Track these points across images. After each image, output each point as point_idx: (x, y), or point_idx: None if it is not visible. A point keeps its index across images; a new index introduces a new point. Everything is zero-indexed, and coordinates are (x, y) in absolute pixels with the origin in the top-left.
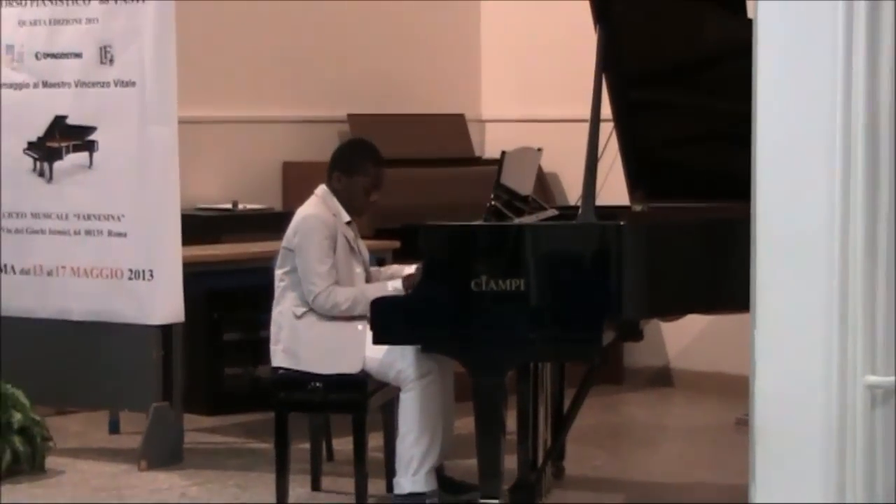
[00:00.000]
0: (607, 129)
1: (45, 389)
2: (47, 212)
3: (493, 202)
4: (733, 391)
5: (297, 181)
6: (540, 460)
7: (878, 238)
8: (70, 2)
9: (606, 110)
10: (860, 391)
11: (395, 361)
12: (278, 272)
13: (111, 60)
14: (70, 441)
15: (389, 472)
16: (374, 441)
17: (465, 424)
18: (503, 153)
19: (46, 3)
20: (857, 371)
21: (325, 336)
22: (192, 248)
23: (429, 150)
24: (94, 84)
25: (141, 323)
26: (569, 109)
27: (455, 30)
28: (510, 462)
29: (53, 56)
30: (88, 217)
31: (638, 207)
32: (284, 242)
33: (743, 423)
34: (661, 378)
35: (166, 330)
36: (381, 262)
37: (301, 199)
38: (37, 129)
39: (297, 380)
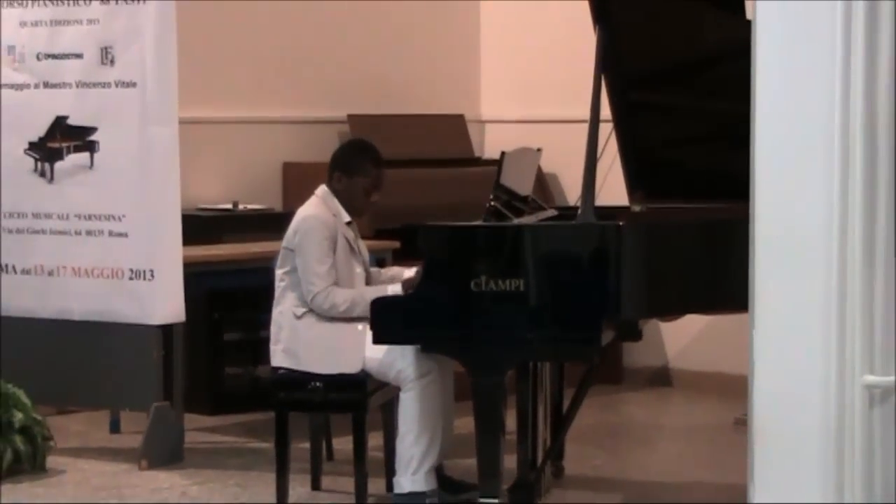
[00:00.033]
0: (606, 130)
1: (47, 389)
2: (48, 212)
3: (492, 202)
4: (732, 391)
5: (297, 181)
6: (539, 460)
7: (877, 238)
8: (71, 3)
9: (606, 111)
10: (858, 391)
11: (395, 361)
12: (278, 272)
13: (112, 61)
14: (71, 440)
15: (389, 472)
16: (374, 440)
17: (465, 424)
18: (503, 154)
19: (47, 4)
20: (856, 371)
21: (325, 336)
22: (192, 249)
23: (428, 151)
24: (94, 84)
25: (142, 323)
26: (568, 110)
27: (455, 31)
28: (509, 461)
29: (54, 57)
30: (89, 217)
31: (637, 208)
32: (285, 242)
33: (742, 423)
34: (660, 378)
35: (167, 330)
36: (381, 263)
37: (301, 199)
38: (38, 130)
39: (297, 379)
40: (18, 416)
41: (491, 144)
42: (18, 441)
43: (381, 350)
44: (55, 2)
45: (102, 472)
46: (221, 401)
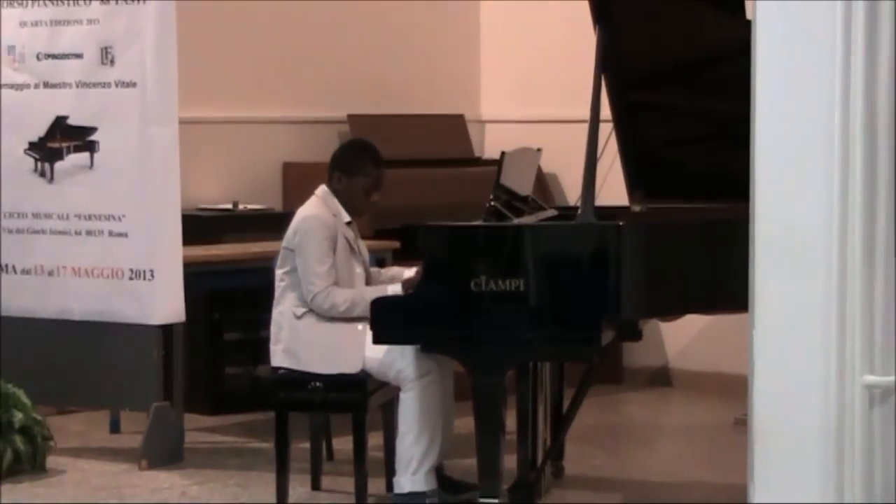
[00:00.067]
0: (606, 130)
1: (47, 389)
2: (48, 212)
3: (492, 202)
4: (732, 391)
5: (297, 181)
6: (539, 460)
7: (877, 238)
8: (71, 3)
9: (606, 111)
10: (858, 391)
11: (395, 361)
12: (278, 272)
13: (112, 61)
14: (71, 440)
15: (389, 472)
16: (374, 440)
17: (465, 424)
18: (503, 154)
19: (48, 4)
20: (856, 371)
21: (325, 336)
22: (192, 249)
23: (428, 151)
24: (94, 85)
25: (142, 323)
26: (568, 110)
27: (455, 31)
28: (509, 461)
29: (54, 57)
30: (89, 217)
31: (637, 208)
32: (285, 242)
33: (742, 423)
34: (660, 378)
35: (167, 330)
36: (381, 263)
37: (301, 199)
38: (38, 130)
39: (297, 379)
40: (18, 416)
41: (491, 144)
42: (18, 441)
43: (380, 350)
44: (55, 2)
45: (102, 472)
46: (221, 401)
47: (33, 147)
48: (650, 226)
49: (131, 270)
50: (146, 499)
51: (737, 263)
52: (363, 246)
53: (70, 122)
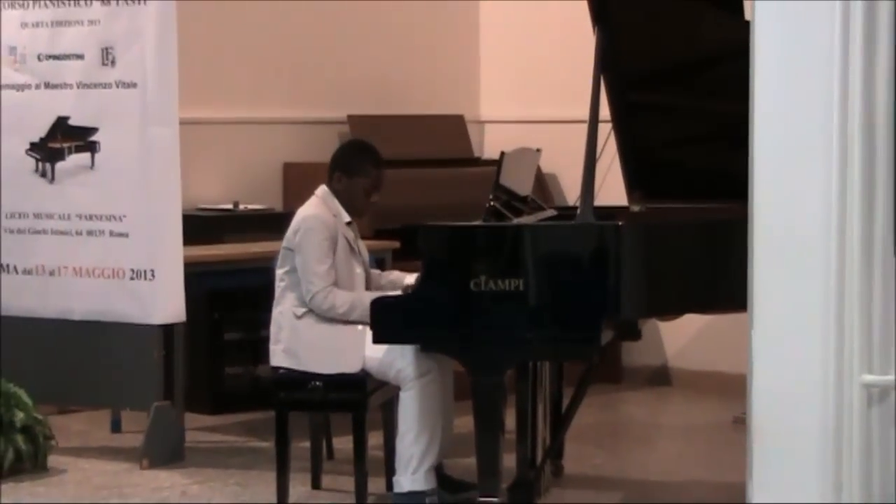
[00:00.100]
0: (606, 130)
1: (48, 388)
2: (49, 212)
3: (492, 202)
4: (731, 390)
5: (297, 182)
6: (539, 459)
7: (875, 238)
8: (72, 4)
9: (605, 111)
10: (857, 390)
11: (395, 360)
12: (279, 272)
13: (113, 62)
14: (72, 440)
15: (389, 471)
16: (374, 439)
17: (465, 423)
18: (502, 154)
19: (49, 4)
20: (854, 370)
21: (325, 336)
22: (193, 249)
23: (428, 151)
24: (95, 85)
25: (142, 323)
26: (567, 110)
27: (454, 31)
28: (509, 460)
29: (56, 57)
30: (90, 217)
31: (636, 208)
32: (285, 242)
33: (740, 422)
34: (660, 377)
35: (168, 329)
36: (380, 263)
37: (301, 199)
38: (39, 130)
39: (298, 379)
40: (20, 416)
41: (490, 145)
42: (20, 440)
43: (380, 349)
44: (56, 3)
45: (103, 471)
46: (222, 400)
47: (34, 147)
48: (649, 226)
49: (132, 270)
50: (147, 498)
51: (736, 263)
52: (363, 246)
53: (71, 122)
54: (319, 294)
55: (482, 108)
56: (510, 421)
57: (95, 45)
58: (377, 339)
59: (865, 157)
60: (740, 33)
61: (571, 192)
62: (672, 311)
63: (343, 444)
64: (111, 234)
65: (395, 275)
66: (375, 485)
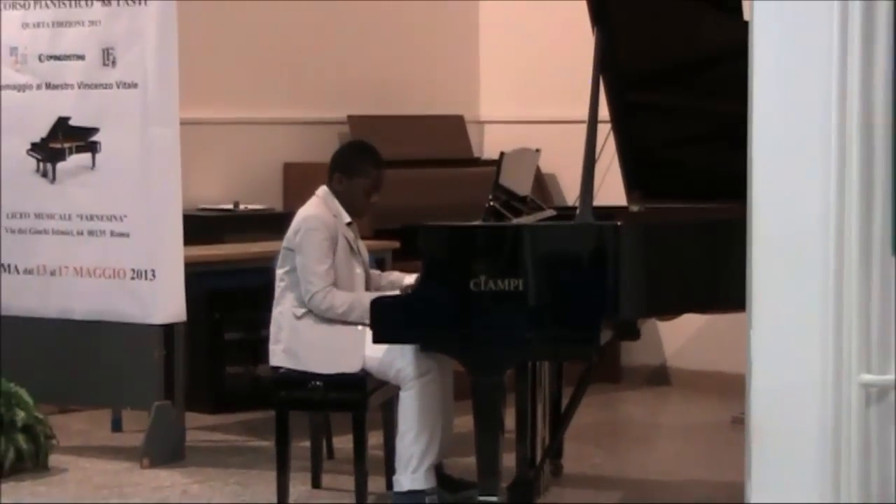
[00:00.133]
0: (605, 130)
1: (49, 388)
2: (50, 212)
3: (491, 203)
4: (730, 390)
5: (297, 182)
6: (538, 458)
7: (873, 237)
8: (73, 4)
9: (604, 111)
10: (855, 389)
11: (395, 360)
12: (279, 272)
13: (114, 62)
14: (73, 439)
15: (389, 470)
16: (374, 439)
17: (465, 423)
18: (502, 154)
19: (50, 5)
20: (853, 369)
21: (325, 336)
22: (193, 249)
23: (428, 151)
24: (96, 86)
25: (143, 322)
26: (567, 110)
27: (454, 32)
28: (509, 460)
29: (57, 58)
30: (91, 217)
31: (635, 208)
32: (285, 242)
33: (739, 422)
34: (658, 377)
35: (168, 329)
36: (380, 263)
37: (302, 199)
38: (40, 131)
39: (298, 378)
40: (21, 415)
41: (490, 145)
42: (21, 440)
43: (380, 349)
44: (57, 3)
45: (104, 470)
46: (222, 400)
47: (35, 148)
48: (648, 226)
49: (133, 270)
50: (148, 497)
51: (734, 263)
52: (363, 247)
53: (72, 122)
54: (319, 294)
55: (482, 109)
56: (510, 420)
57: (96, 46)
58: (377, 339)
59: (864, 157)
60: (739, 33)
61: (571, 192)
62: (671, 310)
63: (343, 443)
64: (112, 234)
65: (394, 275)
66: (375, 484)
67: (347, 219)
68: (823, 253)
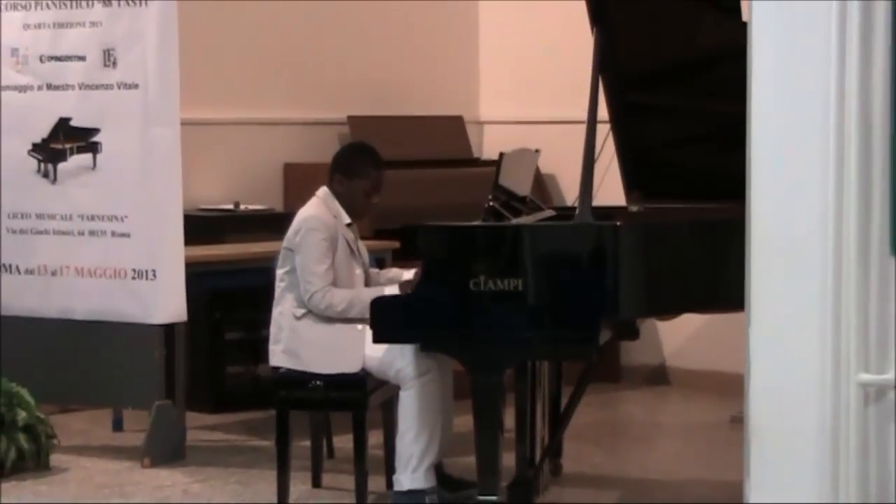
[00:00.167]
0: (604, 131)
1: (50, 388)
2: (51, 212)
3: (491, 203)
4: (728, 389)
5: (297, 182)
6: (538, 458)
7: (872, 238)
8: (74, 5)
9: (603, 112)
10: (853, 389)
11: (395, 360)
12: (279, 272)
13: (114, 63)
14: (74, 439)
15: (389, 469)
16: (374, 438)
17: (464, 422)
18: (501, 154)
19: (51, 6)
20: (851, 369)
21: (324, 336)
22: (194, 249)
23: (428, 152)
24: (97, 86)
25: (144, 322)
26: (566, 111)
27: (453, 32)
28: (508, 459)
29: (58, 59)
30: (92, 218)
31: (634, 208)
32: (285, 243)
33: (738, 421)
34: (658, 376)
35: (169, 329)
36: (380, 263)
37: (302, 200)
38: (41, 131)
39: (298, 378)
40: (22, 415)
41: (489, 145)
42: (22, 439)
43: (380, 349)
44: (58, 4)
45: (105, 469)
46: (223, 399)
47: (37, 148)
48: (647, 226)
49: (134, 270)
50: (148, 496)
51: (733, 263)
52: (363, 247)
53: (73, 123)
54: (318, 294)
55: (481, 109)
56: (509, 420)
57: (97, 47)
58: (377, 339)
59: (862, 157)
60: (738, 34)
61: (570, 193)
62: (670, 310)
63: (343, 442)
64: (113, 234)
65: (393, 272)
66: (375, 483)
67: (347, 219)
68: (822, 253)
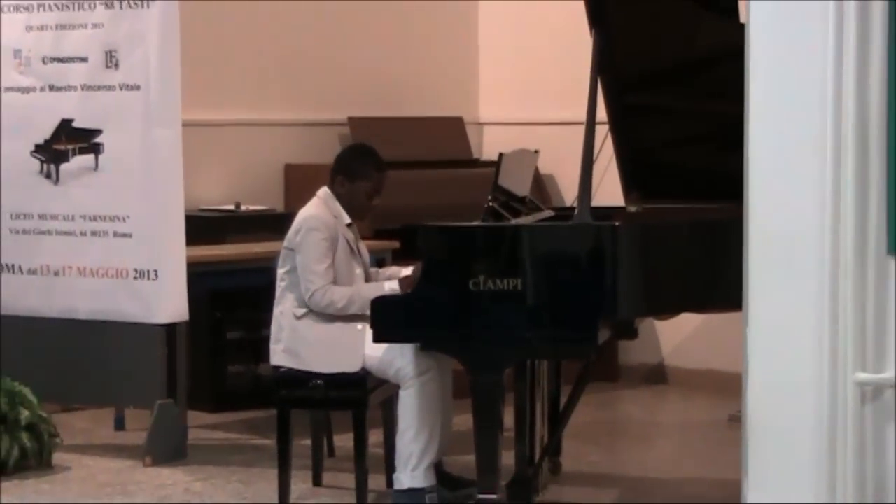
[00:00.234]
0: (603, 131)
1: (52, 387)
2: (54, 213)
3: (490, 203)
4: (726, 388)
5: (298, 183)
6: (537, 456)
7: (869, 237)
8: (76, 7)
9: (602, 112)
10: (851, 388)
11: (395, 359)
12: (280, 272)
13: (116, 65)
14: (76, 437)
15: (389, 468)
16: (375, 437)
17: (464, 421)
18: (501, 155)
19: (53, 8)
20: (848, 368)
21: (325, 336)
22: (195, 249)
23: (428, 153)
24: (99, 88)
25: (146, 322)
26: (565, 112)
27: (453, 33)
28: (508, 458)
29: (60, 60)
30: (94, 218)
31: (633, 208)
32: (286, 243)
33: (736, 420)
34: (656, 375)
35: (170, 329)
36: (380, 263)
37: (302, 200)
38: (43, 132)
39: (299, 377)
40: (25, 414)
41: (489, 146)
42: (25, 438)
43: (380, 348)
44: (60, 6)
45: (107, 468)
46: (224, 398)
47: (39, 149)
48: (646, 226)
49: (135, 270)
50: (150, 495)
51: (731, 263)
52: (364, 248)
53: (75, 124)
54: (318, 292)
55: (481, 110)
56: (509, 419)
57: (99, 48)
58: (377, 338)
59: (859, 157)
60: (736, 35)
61: (569, 193)
62: (669, 310)
63: (344, 441)
64: (115, 234)
65: (392, 270)
66: (376, 482)
67: (348, 220)
68: (819, 252)
